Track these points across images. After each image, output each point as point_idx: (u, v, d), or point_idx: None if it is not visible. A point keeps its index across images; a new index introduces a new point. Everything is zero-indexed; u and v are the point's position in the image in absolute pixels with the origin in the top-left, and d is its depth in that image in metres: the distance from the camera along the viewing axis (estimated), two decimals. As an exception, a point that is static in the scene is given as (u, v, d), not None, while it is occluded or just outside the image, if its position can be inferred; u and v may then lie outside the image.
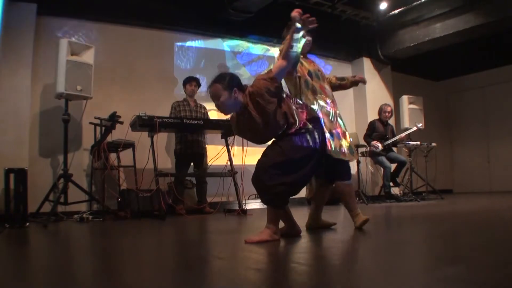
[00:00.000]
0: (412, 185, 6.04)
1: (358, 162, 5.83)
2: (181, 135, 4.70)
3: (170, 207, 4.23)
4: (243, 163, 4.11)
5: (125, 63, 5.08)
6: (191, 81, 4.86)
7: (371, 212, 4.16)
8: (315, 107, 2.55)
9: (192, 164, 4.78)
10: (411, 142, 6.09)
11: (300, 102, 2.40)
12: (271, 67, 2.50)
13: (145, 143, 4.20)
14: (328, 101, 2.61)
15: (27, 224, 3.37)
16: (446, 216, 3.52)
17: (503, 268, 1.36)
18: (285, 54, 2.18)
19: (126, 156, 4.45)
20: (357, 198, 5.65)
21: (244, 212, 4.28)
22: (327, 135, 2.43)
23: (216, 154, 4.45)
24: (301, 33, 2.18)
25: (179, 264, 1.74)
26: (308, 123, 2.22)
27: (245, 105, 2.17)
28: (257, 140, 2.33)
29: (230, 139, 4.44)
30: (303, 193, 5.42)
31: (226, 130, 4.38)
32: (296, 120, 2.18)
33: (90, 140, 4.45)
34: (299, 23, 2.14)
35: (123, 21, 5.11)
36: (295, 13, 2.14)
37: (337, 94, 2.84)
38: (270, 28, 5.68)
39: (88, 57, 4.07)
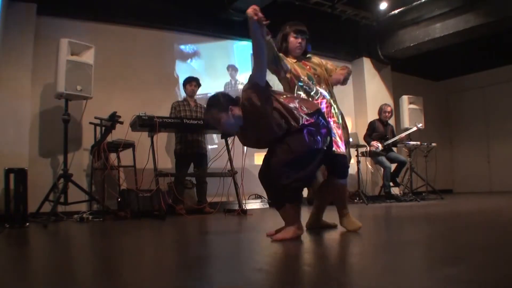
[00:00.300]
0: (412, 185, 6.04)
1: (358, 162, 5.84)
2: (181, 135, 4.70)
3: (170, 207, 4.23)
4: (243, 163, 4.10)
5: (125, 63, 5.08)
6: (191, 81, 4.86)
7: (371, 212, 4.16)
8: None
9: (192, 164, 4.78)
10: (411, 142, 6.09)
11: (302, 95, 2.39)
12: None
13: (145, 143, 4.20)
14: (324, 104, 2.53)
15: (27, 224, 3.37)
16: (446, 216, 3.52)
17: (503, 268, 1.36)
18: (255, 55, 2.16)
19: (126, 156, 4.45)
20: (357, 198, 5.66)
21: (244, 212, 4.27)
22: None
23: (216, 154, 4.45)
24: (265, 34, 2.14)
25: (179, 264, 1.74)
26: (311, 118, 2.20)
27: (244, 116, 2.18)
28: (265, 145, 2.35)
29: (230, 139, 4.44)
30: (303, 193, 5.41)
31: (226, 130, 4.38)
32: (298, 117, 2.17)
33: (90, 140, 4.45)
34: (253, 21, 2.07)
35: (123, 21, 5.11)
36: (250, 10, 2.08)
37: (337, 94, 2.79)
38: (271, 28, 5.68)
39: (88, 57, 4.07)
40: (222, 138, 4.56)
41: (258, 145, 2.42)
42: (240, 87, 5.72)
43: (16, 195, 3.40)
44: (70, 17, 4.76)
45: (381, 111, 6.12)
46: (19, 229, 3.21)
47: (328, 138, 2.26)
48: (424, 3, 5.98)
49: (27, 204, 3.46)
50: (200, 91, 5.06)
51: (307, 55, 2.67)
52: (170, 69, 5.53)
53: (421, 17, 6.22)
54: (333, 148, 2.40)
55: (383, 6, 6.19)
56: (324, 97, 2.54)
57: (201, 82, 4.95)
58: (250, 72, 2.24)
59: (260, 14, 2.10)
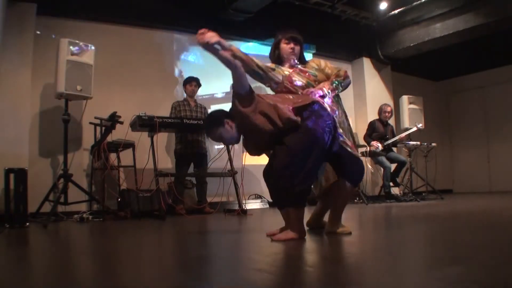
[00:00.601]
0: (412, 185, 6.04)
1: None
2: (181, 135, 4.70)
3: (170, 207, 4.23)
4: (243, 163, 4.10)
5: (125, 63, 5.07)
6: (191, 81, 4.87)
7: (371, 212, 4.16)
8: None
9: (192, 164, 4.78)
10: (411, 142, 6.09)
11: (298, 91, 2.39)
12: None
13: (145, 143, 4.20)
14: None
15: (27, 224, 3.37)
16: (446, 216, 3.52)
17: (503, 268, 1.36)
18: (228, 68, 2.21)
19: (126, 156, 4.45)
20: (357, 198, 5.66)
21: (244, 212, 4.28)
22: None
23: (216, 154, 4.45)
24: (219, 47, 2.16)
25: (179, 264, 1.74)
26: (306, 114, 2.18)
27: (235, 124, 2.25)
28: (265, 148, 2.36)
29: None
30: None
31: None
32: (286, 116, 2.15)
33: (90, 140, 4.45)
34: (209, 46, 2.12)
35: (123, 21, 5.11)
36: (199, 39, 2.11)
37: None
38: (270, 28, 5.68)
39: (88, 57, 4.07)
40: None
41: (258, 150, 2.40)
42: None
43: (16, 195, 3.40)
44: (70, 17, 4.76)
45: (381, 111, 6.12)
46: (19, 229, 3.21)
47: (329, 130, 2.18)
48: (424, 3, 5.98)
49: (27, 204, 3.46)
50: (201, 91, 5.05)
51: (305, 61, 2.59)
52: (170, 69, 5.53)
53: (421, 17, 6.22)
54: (350, 150, 2.36)
55: (383, 6, 6.19)
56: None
57: (201, 82, 4.96)
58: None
59: (208, 36, 2.11)
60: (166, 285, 1.31)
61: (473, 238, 2.16)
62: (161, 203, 3.92)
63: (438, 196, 6.12)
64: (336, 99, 2.59)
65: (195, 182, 4.82)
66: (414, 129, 6.13)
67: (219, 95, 5.83)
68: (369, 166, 6.48)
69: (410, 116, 6.36)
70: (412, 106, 6.45)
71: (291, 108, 2.19)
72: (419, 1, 5.98)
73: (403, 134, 6.09)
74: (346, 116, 2.62)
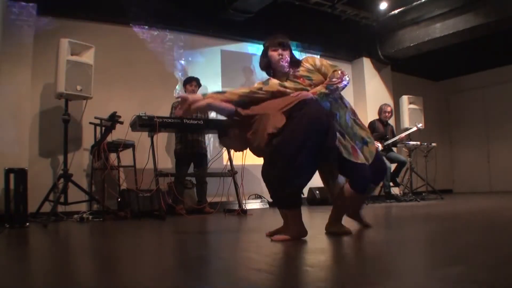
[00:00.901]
0: (412, 185, 6.04)
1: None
2: (181, 135, 4.70)
3: (170, 207, 4.23)
4: (243, 163, 4.10)
5: (125, 63, 5.08)
6: (191, 81, 4.86)
7: (371, 212, 4.16)
8: None
9: (192, 164, 4.78)
10: (411, 142, 6.09)
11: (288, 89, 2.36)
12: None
13: (145, 143, 4.20)
14: None
15: (27, 224, 3.37)
16: (446, 216, 3.51)
17: (503, 268, 1.36)
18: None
19: (126, 156, 4.45)
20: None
21: (244, 212, 4.28)
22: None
23: (216, 154, 4.45)
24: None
25: (179, 264, 1.74)
26: (296, 109, 2.14)
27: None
28: (256, 147, 2.34)
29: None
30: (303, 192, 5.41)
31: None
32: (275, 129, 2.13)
33: (90, 140, 4.46)
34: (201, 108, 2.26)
35: (123, 21, 5.11)
36: (179, 114, 2.29)
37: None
38: (271, 28, 5.68)
39: (88, 57, 4.07)
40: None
41: (262, 151, 2.30)
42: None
43: (16, 195, 3.40)
44: (70, 17, 4.76)
45: (381, 111, 6.12)
46: (19, 229, 3.21)
47: (320, 123, 2.11)
48: (424, 3, 5.98)
49: (27, 204, 3.46)
50: (201, 91, 5.05)
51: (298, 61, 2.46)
52: (170, 69, 5.53)
53: (421, 17, 6.22)
54: (346, 156, 2.27)
55: (383, 6, 6.19)
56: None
57: (201, 82, 4.95)
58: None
59: (192, 100, 2.22)
60: (166, 285, 1.31)
61: (473, 238, 2.16)
62: (161, 203, 3.92)
63: (438, 196, 6.12)
64: (339, 102, 2.48)
65: (195, 182, 4.82)
66: (414, 129, 6.13)
67: (219, 95, 5.83)
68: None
69: (410, 116, 6.36)
70: (412, 106, 6.46)
71: (281, 111, 2.15)
72: (419, 1, 5.98)
73: (403, 134, 6.09)
74: (354, 120, 2.50)
